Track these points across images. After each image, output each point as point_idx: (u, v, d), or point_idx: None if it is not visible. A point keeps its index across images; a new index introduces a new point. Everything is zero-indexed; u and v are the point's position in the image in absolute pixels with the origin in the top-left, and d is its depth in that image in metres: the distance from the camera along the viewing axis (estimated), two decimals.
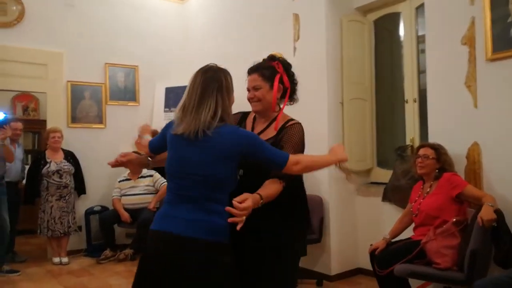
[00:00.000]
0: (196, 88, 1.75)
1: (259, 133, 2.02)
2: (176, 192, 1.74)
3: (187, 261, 1.63)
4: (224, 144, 1.67)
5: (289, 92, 2.12)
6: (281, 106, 2.12)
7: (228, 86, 1.79)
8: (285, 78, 2.12)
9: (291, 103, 2.17)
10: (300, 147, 1.96)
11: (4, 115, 4.38)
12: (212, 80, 1.75)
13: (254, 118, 2.15)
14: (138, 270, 1.76)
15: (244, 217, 1.62)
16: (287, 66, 2.19)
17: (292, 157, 1.76)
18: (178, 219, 1.68)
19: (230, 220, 1.61)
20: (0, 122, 4.27)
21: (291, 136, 1.96)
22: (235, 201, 1.60)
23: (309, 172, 1.89)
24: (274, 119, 2.06)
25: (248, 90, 2.13)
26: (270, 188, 1.80)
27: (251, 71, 2.16)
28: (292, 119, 2.06)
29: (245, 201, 1.62)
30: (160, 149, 1.96)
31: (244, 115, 2.20)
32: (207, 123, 1.68)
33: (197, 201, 1.69)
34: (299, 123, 2.04)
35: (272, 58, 2.20)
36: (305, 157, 1.84)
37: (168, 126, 1.88)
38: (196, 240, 1.63)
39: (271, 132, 2.02)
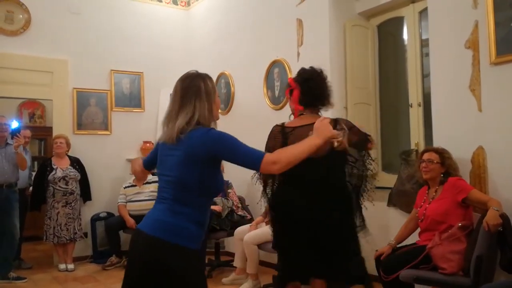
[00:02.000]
0: (177, 97, 1.79)
1: None
2: (157, 194, 1.84)
3: (152, 259, 1.68)
4: (191, 146, 1.70)
5: (299, 96, 2.48)
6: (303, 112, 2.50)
7: (208, 90, 1.79)
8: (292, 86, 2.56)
9: (322, 106, 2.58)
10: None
11: (18, 123, 4.43)
12: (190, 87, 1.78)
13: None
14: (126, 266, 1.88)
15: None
16: (297, 74, 2.66)
17: (268, 156, 1.69)
18: (150, 219, 1.76)
19: None
20: (14, 130, 4.34)
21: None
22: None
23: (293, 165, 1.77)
24: None
25: None
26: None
27: None
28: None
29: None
30: (152, 163, 2.01)
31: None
32: (181, 128, 1.72)
33: (167, 202, 1.74)
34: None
35: None
36: (284, 152, 1.75)
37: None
38: (159, 240, 1.68)
39: None
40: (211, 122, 1.81)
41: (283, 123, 2.51)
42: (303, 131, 2.23)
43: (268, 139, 2.50)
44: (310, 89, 2.50)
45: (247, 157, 1.71)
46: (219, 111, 6.04)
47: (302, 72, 2.61)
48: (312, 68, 2.59)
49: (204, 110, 1.76)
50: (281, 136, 2.42)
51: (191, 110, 1.74)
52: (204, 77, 1.83)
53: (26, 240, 5.39)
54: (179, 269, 1.67)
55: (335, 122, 2.28)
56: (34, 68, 5.12)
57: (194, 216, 1.72)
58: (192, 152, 1.70)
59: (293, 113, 2.58)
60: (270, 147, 2.42)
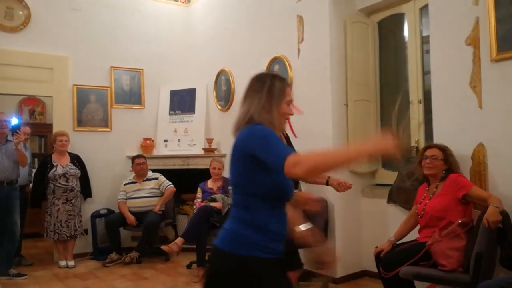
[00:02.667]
0: (244, 93, 1.70)
1: None
2: None
3: (218, 271, 1.58)
4: (236, 144, 1.58)
5: None
6: None
7: (272, 89, 1.63)
8: None
9: None
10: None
11: (18, 120, 4.42)
12: (255, 84, 1.69)
13: None
14: None
15: None
16: None
17: (292, 156, 1.38)
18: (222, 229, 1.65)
19: None
20: (14, 127, 4.33)
21: None
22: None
23: (324, 172, 1.59)
24: None
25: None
26: None
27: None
28: None
29: None
30: None
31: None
32: (236, 125, 1.63)
33: (233, 207, 1.62)
34: None
35: None
36: (313, 153, 1.39)
37: None
38: (220, 250, 1.57)
39: None
40: (269, 124, 1.57)
41: None
42: None
43: None
44: None
45: (273, 156, 1.43)
46: (219, 108, 6.04)
47: None
48: None
49: (259, 108, 1.59)
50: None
51: (246, 106, 1.63)
52: (274, 76, 1.69)
53: (26, 237, 5.39)
54: (243, 280, 1.52)
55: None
56: (34, 64, 5.12)
57: (252, 220, 1.54)
58: (236, 149, 1.58)
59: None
60: None
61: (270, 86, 1.64)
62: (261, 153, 1.47)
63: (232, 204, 1.64)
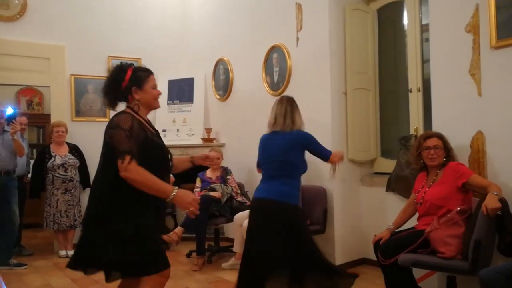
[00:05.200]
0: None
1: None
2: None
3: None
4: None
5: None
6: None
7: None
8: None
9: None
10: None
11: (13, 110, 4.40)
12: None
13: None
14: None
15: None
16: None
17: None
18: None
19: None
20: (9, 116, 4.31)
21: None
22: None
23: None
24: None
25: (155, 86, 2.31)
26: None
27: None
28: None
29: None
30: None
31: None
32: None
33: None
34: None
35: None
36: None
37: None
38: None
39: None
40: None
41: None
42: None
43: None
44: None
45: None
46: (218, 97, 6.03)
47: None
48: None
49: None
50: None
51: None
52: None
53: (26, 227, 5.40)
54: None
55: None
56: (31, 54, 5.08)
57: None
58: None
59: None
60: None
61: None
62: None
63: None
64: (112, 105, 2.22)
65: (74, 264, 2.11)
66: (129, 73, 2.19)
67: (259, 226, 2.88)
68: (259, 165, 3.13)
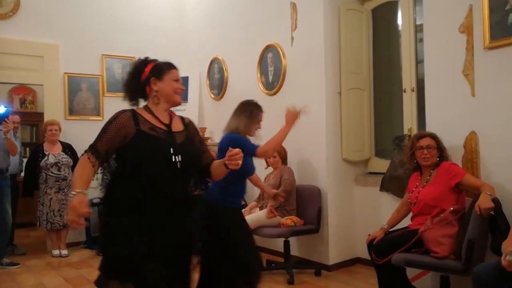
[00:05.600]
0: None
1: (169, 125, 2.07)
2: None
3: None
4: None
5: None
6: None
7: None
8: None
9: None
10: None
11: (6, 108, 4.35)
12: None
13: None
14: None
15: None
16: None
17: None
18: None
19: None
20: (2, 115, 4.26)
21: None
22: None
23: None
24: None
25: (177, 80, 2.13)
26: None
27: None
28: None
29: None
30: None
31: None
32: None
33: None
34: None
35: None
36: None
37: None
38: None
39: (179, 125, 2.12)
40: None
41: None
42: None
43: None
44: None
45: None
46: (212, 96, 6.02)
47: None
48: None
49: None
50: None
51: None
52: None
53: (19, 226, 5.36)
54: None
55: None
56: (24, 52, 5.04)
57: None
58: None
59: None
60: None
61: None
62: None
63: None
64: (133, 102, 2.12)
65: None
66: (151, 64, 2.12)
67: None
68: None
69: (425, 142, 2.98)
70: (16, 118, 4.88)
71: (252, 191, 4.78)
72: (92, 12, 5.46)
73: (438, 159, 2.98)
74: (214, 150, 4.86)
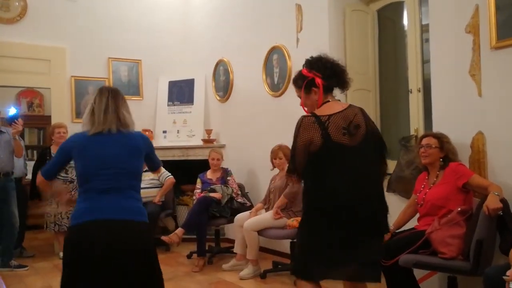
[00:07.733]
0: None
1: None
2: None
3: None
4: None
5: (322, 82, 2.29)
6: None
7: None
8: (311, 76, 2.31)
9: (343, 88, 2.46)
10: None
11: (16, 110, 4.35)
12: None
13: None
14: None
15: None
16: (309, 64, 2.38)
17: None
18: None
19: None
20: (12, 116, 4.27)
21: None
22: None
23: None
24: None
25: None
26: None
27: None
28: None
29: None
30: None
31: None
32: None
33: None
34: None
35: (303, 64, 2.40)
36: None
37: None
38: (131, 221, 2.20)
39: None
40: None
41: (312, 113, 2.24)
42: (338, 119, 2.19)
43: (302, 130, 2.18)
44: (331, 70, 2.33)
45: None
46: (218, 98, 6.05)
47: (312, 60, 2.38)
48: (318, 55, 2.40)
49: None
50: (318, 126, 2.16)
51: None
52: None
53: (27, 229, 5.39)
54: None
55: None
56: (31, 56, 5.09)
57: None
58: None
59: (312, 107, 2.31)
60: (308, 139, 2.15)
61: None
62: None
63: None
64: None
65: None
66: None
67: (103, 258, 2.14)
68: (86, 178, 2.26)
69: (425, 141, 3.01)
70: (20, 121, 4.91)
71: (258, 193, 4.79)
72: (99, 16, 5.50)
73: (441, 159, 2.97)
74: (218, 152, 4.90)
